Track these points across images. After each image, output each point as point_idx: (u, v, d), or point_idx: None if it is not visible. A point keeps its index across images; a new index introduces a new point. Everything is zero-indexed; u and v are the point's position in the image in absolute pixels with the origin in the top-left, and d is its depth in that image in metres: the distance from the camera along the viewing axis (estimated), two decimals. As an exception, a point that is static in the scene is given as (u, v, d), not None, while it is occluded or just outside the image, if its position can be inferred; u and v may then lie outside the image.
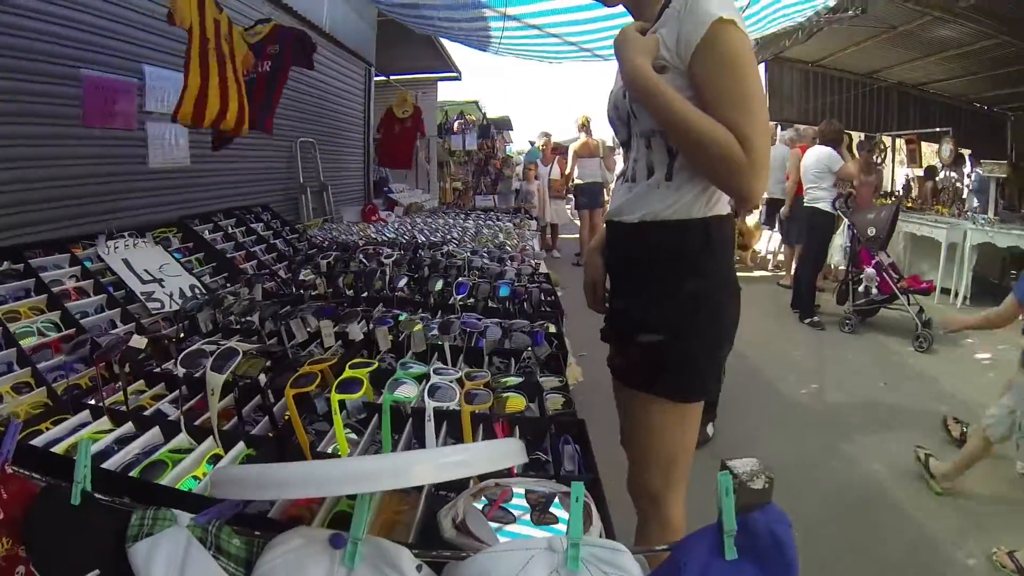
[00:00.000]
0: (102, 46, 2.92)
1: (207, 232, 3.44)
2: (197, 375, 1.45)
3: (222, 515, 0.86)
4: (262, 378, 1.54)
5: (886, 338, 5.67)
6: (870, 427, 3.74)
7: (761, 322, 6.02)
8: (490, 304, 2.51)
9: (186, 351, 1.47)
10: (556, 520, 1.01)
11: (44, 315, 2.14)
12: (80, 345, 1.83)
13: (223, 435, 1.42)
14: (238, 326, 2.29)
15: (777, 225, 7.95)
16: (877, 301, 5.71)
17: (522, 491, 1.06)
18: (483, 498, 1.05)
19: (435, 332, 1.92)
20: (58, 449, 1.34)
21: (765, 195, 6.50)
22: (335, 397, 1.31)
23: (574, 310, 5.66)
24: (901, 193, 10.58)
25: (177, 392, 1.58)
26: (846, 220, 6.15)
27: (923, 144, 10.80)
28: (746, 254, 9.31)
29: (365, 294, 2.64)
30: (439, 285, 2.58)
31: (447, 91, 11.58)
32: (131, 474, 1.25)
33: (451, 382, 1.42)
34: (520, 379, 1.59)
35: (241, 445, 1.38)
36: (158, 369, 1.92)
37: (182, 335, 2.23)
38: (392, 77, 8.92)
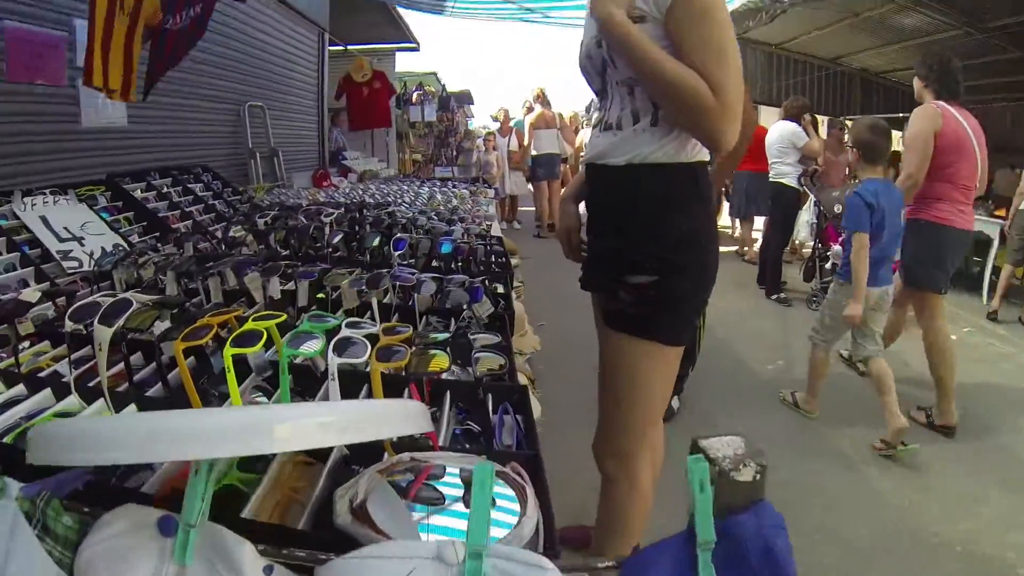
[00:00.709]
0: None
1: (139, 191, 3.20)
2: (88, 331, 1.26)
3: (60, 487, 0.66)
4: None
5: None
6: (837, 405, 3.60)
7: (727, 297, 5.87)
8: (435, 264, 2.27)
9: (77, 304, 1.29)
10: (494, 504, 0.78)
11: None
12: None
13: (115, 396, 1.24)
14: (159, 285, 2.04)
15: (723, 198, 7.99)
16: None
17: (456, 469, 0.85)
18: (407, 473, 0.84)
19: (363, 288, 1.64)
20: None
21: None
22: (228, 351, 1.13)
23: (534, 281, 5.58)
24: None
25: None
26: (812, 196, 5.99)
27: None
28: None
29: (300, 253, 2.36)
30: (376, 241, 2.33)
31: (405, 62, 11.25)
32: (3, 439, 1.09)
33: (364, 337, 1.15)
34: (448, 335, 1.32)
35: (132, 408, 1.21)
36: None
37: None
38: (349, 47, 8.69)
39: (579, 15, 4.10)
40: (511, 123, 9.83)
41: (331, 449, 1.00)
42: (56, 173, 3.09)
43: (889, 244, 3.06)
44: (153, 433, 0.55)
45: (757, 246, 7.07)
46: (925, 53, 3.82)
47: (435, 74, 13.05)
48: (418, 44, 9.75)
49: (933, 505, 2.66)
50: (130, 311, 1.27)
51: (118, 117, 3.43)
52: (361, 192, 4.92)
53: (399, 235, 2.27)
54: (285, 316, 1.30)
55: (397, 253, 2.16)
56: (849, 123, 11.19)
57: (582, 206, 1.73)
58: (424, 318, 1.79)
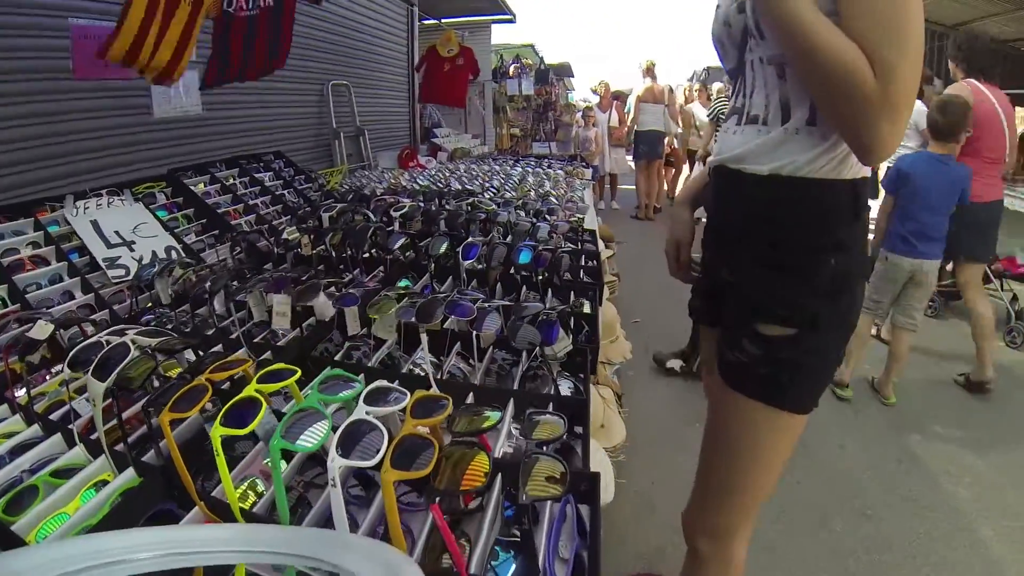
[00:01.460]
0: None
1: (204, 185, 3.02)
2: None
3: None
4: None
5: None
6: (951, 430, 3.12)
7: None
8: (514, 272, 1.94)
9: (80, 345, 1.16)
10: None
11: None
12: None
13: (117, 454, 1.10)
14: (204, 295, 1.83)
15: None
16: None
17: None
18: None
19: (412, 319, 1.35)
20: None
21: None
22: (216, 433, 0.88)
23: (630, 268, 5.16)
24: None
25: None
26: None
27: (1016, 108, 9.52)
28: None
29: (359, 257, 2.10)
30: (442, 247, 2.00)
31: (501, 34, 10.89)
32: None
33: (384, 421, 0.86)
34: (498, 415, 0.98)
35: (130, 472, 1.05)
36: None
37: (135, 311, 1.89)
38: (444, 20, 8.40)
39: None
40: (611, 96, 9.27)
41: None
42: (126, 167, 3.04)
43: (929, 220, 3.14)
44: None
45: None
46: (956, 34, 3.99)
47: (532, 46, 12.53)
48: (514, 16, 9.33)
49: None
50: (125, 361, 1.10)
51: (192, 106, 3.30)
52: (447, 174, 4.64)
53: (471, 240, 1.94)
54: (299, 373, 1.03)
55: (467, 262, 1.85)
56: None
57: (699, 211, 1.37)
58: (490, 351, 1.48)
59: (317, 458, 1.10)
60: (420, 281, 2.04)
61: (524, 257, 1.85)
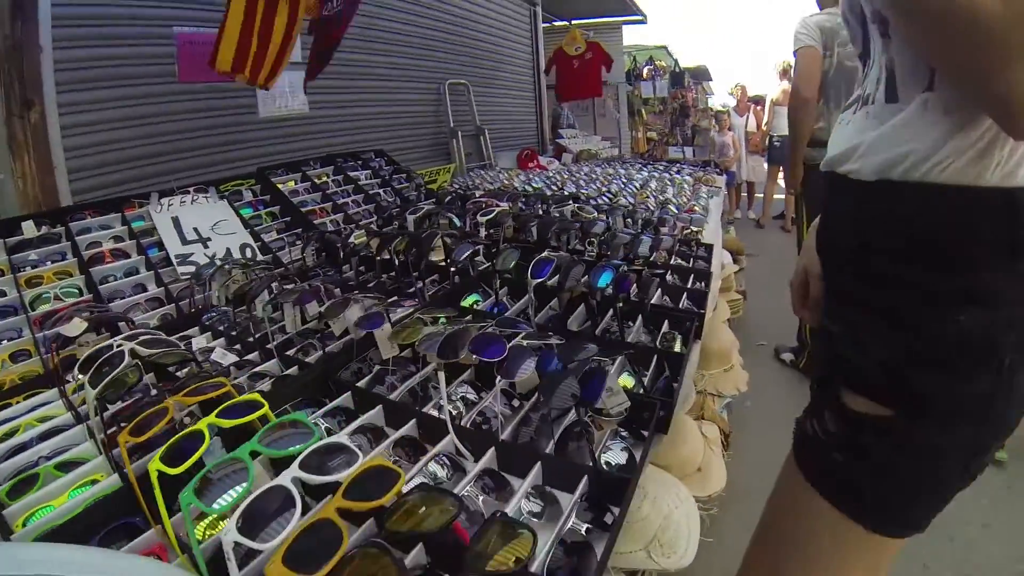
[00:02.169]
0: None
1: (294, 183, 2.95)
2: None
3: None
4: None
5: None
6: None
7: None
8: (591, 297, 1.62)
9: (92, 350, 1.14)
10: None
11: (69, 279, 1.98)
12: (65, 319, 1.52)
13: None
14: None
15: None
16: None
17: None
18: None
19: (432, 351, 1.09)
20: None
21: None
22: (154, 467, 0.77)
23: (762, 283, 4.62)
24: None
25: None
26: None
27: None
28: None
29: (420, 267, 1.88)
30: (511, 261, 1.71)
31: (633, 36, 10.49)
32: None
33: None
34: (448, 516, 0.68)
35: (115, 477, 1.02)
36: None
37: (196, 309, 1.85)
38: (573, 21, 8.17)
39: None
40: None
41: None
42: (226, 165, 3.08)
43: None
44: None
45: None
46: None
47: (665, 47, 11.94)
48: (645, 16, 8.92)
49: None
50: (116, 371, 1.06)
51: (299, 105, 3.33)
52: (566, 176, 4.36)
53: (546, 254, 1.64)
54: (265, 408, 0.88)
55: (535, 281, 1.56)
56: None
57: None
58: (534, 397, 1.19)
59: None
60: (492, 298, 1.78)
61: (603, 279, 1.53)
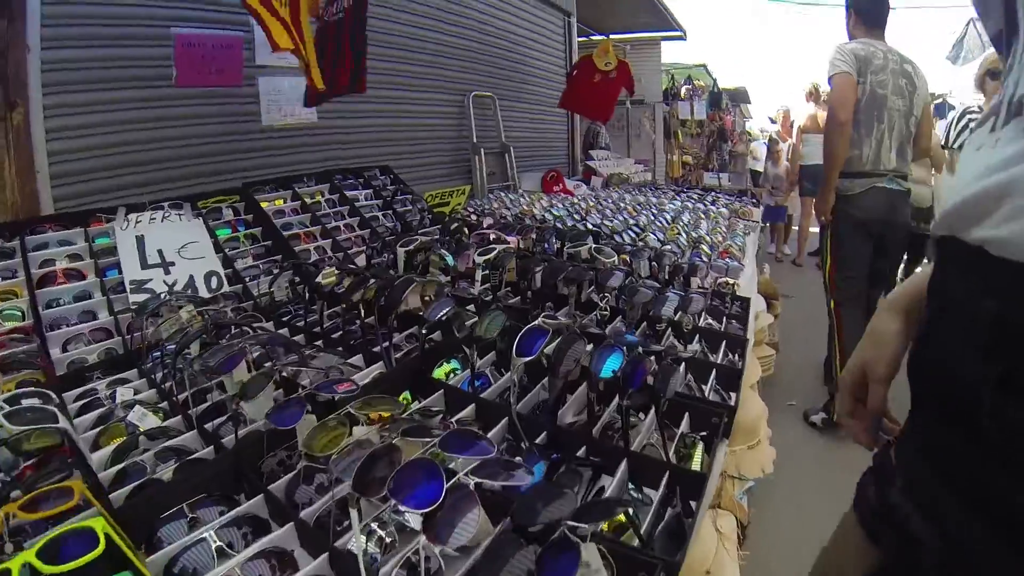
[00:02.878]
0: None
1: (282, 201, 2.67)
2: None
3: None
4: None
5: None
6: None
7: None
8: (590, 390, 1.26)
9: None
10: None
11: (12, 301, 1.82)
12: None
13: None
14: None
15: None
16: None
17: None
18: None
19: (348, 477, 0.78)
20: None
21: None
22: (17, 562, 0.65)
23: (792, 329, 4.11)
24: None
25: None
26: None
27: None
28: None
29: (390, 324, 1.57)
30: (495, 329, 1.37)
31: (672, 54, 10.09)
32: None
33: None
34: None
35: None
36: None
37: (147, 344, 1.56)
38: (612, 36, 7.83)
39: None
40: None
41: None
42: (224, 176, 2.86)
43: None
44: None
45: None
46: None
47: (704, 66, 11.55)
48: (685, 33, 8.57)
49: None
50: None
51: (306, 114, 3.10)
52: (592, 203, 4.03)
53: (538, 323, 1.27)
54: (98, 551, 0.72)
55: (523, 361, 1.23)
56: None
57: None
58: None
59: None
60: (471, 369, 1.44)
61: (608, 366, 1.18)
